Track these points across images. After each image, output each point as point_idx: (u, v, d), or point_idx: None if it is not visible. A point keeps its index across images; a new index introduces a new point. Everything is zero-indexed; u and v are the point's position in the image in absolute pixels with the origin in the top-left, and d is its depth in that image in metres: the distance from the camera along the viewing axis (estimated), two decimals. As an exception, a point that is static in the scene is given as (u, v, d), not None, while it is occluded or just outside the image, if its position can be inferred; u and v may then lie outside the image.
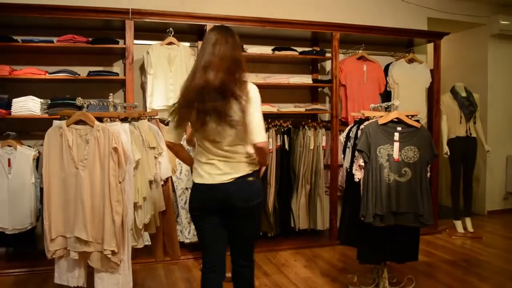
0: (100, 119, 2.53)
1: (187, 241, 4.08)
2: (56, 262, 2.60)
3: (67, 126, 2.48)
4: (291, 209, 4.54)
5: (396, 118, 3.06)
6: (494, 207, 5.99)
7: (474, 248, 4.45)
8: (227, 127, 2.05)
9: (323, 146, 4.56)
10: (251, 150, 2.17)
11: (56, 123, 2.56)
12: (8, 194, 3.58)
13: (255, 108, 2.08)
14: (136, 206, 2.69)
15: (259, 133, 2.09)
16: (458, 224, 5.02)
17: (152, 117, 3.21)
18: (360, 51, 4.77)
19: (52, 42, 3.76)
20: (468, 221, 5.03)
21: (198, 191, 2.24)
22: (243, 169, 2.18)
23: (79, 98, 2.61)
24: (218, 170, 2.16)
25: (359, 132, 3.16)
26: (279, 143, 4.41)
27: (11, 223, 3.59)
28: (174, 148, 2.29)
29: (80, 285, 2.62)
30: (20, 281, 3.51)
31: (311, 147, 4.49)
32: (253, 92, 2.11)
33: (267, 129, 4.32)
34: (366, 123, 3.12)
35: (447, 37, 5.08)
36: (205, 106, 2.01)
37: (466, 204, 5.08)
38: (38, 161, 3.74)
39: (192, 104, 2.03)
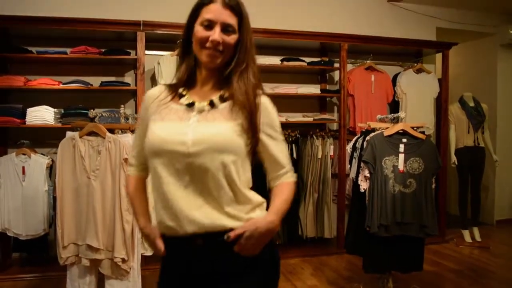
0: (111, 131, 2.61)
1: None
2: (68, 269, 2.68)
3: (80, 137, 2.57)
4: (299, 217, 4.59)
5: (402, 130, 3.11)
6: (503, 217, 5.97)
7: (482, 258, 4.46)
8: None
9: (331, 156, 4.61)
10: None
11: (69, 134, 2.65)
12: (22, 201, 3.67)
13: None
14: (145, 215, 2.76)
15: None
16: (466, 233, 5.02)
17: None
18: (368, 61, 4.83)
19: (66, 53, 3.87)
20: (475, 230, 5.03)
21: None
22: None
23: (92, 110, 2.69)
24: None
25: (365, 143, 3.21)
26: (287, 152, 4.46)
27: (25, 229, 3.69)
28: None
29: (91, 291, 2.70)
30: (32, 286, 3.60)
31: (319, 156, 4.54)
32: None
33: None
34: (372, 134, 3.18)
35: (456, 46, 5.11)
36: None
37: (474, 214, 5.09)
38: (51, 169, 3.84)
39: None
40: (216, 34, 1.29)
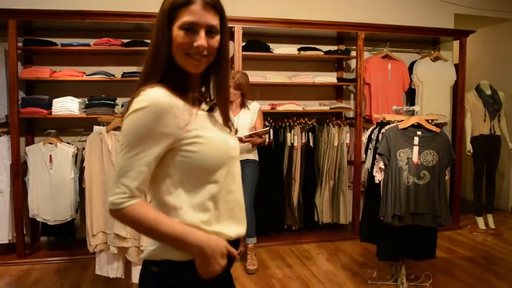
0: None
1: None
2: (97, 255, 2.85)
3: (107, 132, 2.70)
4: (315, 204, 4.71)
5: (416, 122, 3.18)
6: (518, 203, 6.01)
7: (495, 245, 4.53)
8: None
9: (347, 143, 4.69)
10: None
11: (96, 128, 2.78)
12: (50, 189, 3.85)
13: None
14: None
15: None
16: (480, 220, 5.09)
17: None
18: (385, 49, 4.85)
19: (89, 45, 3.99)
20: (490, 217, 5.09)
21: None
22: None
23: (118, 106, 2.81)
24: None
25: (380, 135, 3.29)
26: (304, 141, 4.56)
27: (53, 215, 3.88)
28: None
29: (119, 276, 2.86)
30: (62, 268, 3.79)
31: (335, 144, 4.63)
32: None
33: (293, 127, 4.50)
34: (387, 127, 3.25)
35: (474, 33, 5.09)
36: None
37: (488, 201, 5.14)
38: (76, 157, 4.01)
39: None
40: (201, 39, 1.18)
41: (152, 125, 1.12)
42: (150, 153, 1.14)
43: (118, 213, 1.15)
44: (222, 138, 1.25)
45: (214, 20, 1.20)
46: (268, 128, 4.17)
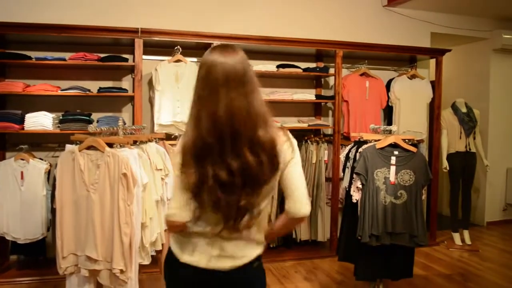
0: (110, 145, 2.67)
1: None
2: (68, 278, 2.75)
3: (79, 151, 2.63)
4: (293, 221, 4.67)
5: (394, 142, 3.19)
6: (494, 218, 6.09)
7: (471, 261, 4.57)
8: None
9: (325, 160, 4.69)
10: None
11: (68, 147, 2.71)
12: (21, 206, 3.73)
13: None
14: (143, 226, 2.84)
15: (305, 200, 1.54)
16: (456, 236, 5.13)
17: (160, 138, 3.35)
18: (363, 67, 4.89)
19: (65, 59, 3.90)
20: (466, 233, 5.14)
21: (180, 276, 1.52)
22: (252, 251, 1.54)
23: (91, 125, 2.75)
24: (219, 250, 1.49)
25: (357, 154, 3.29)
26: (282, 157, 4.53)
27: (23, 233, 3.75)
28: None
29: (90, 300, 2.77)
30: (32, 289, 3.68)
31: (313, 161, 4.62)
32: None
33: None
34: (364, 146, 3.25)
35: (450, 51, 5.17)
36: None
37: (465, 217, 5.19)
38: (49, 173, 3.90)
39: None
40: None
41: None
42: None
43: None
44: None
45: None
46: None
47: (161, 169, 3.02)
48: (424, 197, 3.28)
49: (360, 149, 3.26)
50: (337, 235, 4.45)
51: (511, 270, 4.33)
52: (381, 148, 3.18)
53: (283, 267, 4.32)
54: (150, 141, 3.09)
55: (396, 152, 3.16)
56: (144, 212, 2.82)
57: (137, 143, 2.96)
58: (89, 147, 2.64)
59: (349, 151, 3.54)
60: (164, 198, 3.08)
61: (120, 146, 2.71)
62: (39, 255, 4.11)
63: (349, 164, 3.48)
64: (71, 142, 2.76)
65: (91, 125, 2.79)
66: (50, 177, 3.94)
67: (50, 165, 3.92)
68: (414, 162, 3.17)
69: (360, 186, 3.18)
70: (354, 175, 3.22)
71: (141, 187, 2.73)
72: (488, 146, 5.83)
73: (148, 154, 2.94)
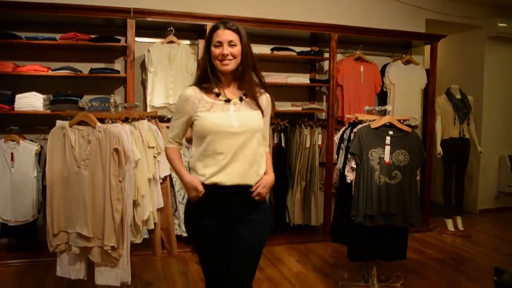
0: (102, 120, 2.62)
1: (184, 234, 4.18)
2: (58, 256, 2.71)
3: (70, 126, 2.58)
4: (286, 205, 4.66)
5: (388, 122, 3.16)
6: (486, 206, 6.11)
7: (463, 246, 4.58)
8: None
9: (319, 145, 4.66)
10: None
11: (59, 123, 2.66)
12: (11, 188, 3.69)
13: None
14: (135, 204, 2.80)
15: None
16: (449, 222, 5.14)
17: (152, 117, 3.30)
18: (357, 52, 4.86)
19: (55, 39, 3.85)
20: (459, 219, 5.15)
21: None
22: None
23: (82, 100, 2.70)
24: None
25: (352, 134, 3.26)
26: (276, 141, 4.51)
27: (14, 216, 3.71)
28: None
29: (81, 278, 2.73)
30: (21, 271, 3.63)
31: (307, 145, 4.60)
32: None
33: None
34: (359, 126, 3.23)
35: (444, 38, 5.15)
36: None
37: (457, 203, 5.19)
38: (40, 155, 3.85)
39: None
40: (224, 49, 1.90)
41: (179, 106, 2.03)
42: (179, 119, 2.03)
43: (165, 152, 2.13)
44: (214, 118, 1.93)
45: (232, 37, 1.92)
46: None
47: (153, 147, 2.98)
48: (418, 178, 3.26)
49: (354, 129, 3.24)
50: (331, 220, 4.43)
51: (503, 254, 4.35)
52: (376, 128, 3.15)
53: (275, 251, 4.30)
54: (142, 118, 3.04)
55: (391, 132, 3.14)
56: (136, 189, 2.78)
57: (129, 120, 2.91)
58: (80, 123, 2.59)
59: (343, 132, 3.51)
60: (156, 176, 3.03)
61: (112, 122, 2.66)
62: (30, 238, 4.05)
63: (343, 145, 3.45)
64: (62, 118, 2.71)
65: (82, 100, 2.72)
66: (41, 159, 3.88)
67: (41, 147, 3.87)
68: (409, 142, 3.15)
69: (355, 166, 3.16)
70: (349, 155, 3.19)
71: (133, 164, 2.68)
72: (481, 133, 5.84)
73: (140, 131, 2.90)
